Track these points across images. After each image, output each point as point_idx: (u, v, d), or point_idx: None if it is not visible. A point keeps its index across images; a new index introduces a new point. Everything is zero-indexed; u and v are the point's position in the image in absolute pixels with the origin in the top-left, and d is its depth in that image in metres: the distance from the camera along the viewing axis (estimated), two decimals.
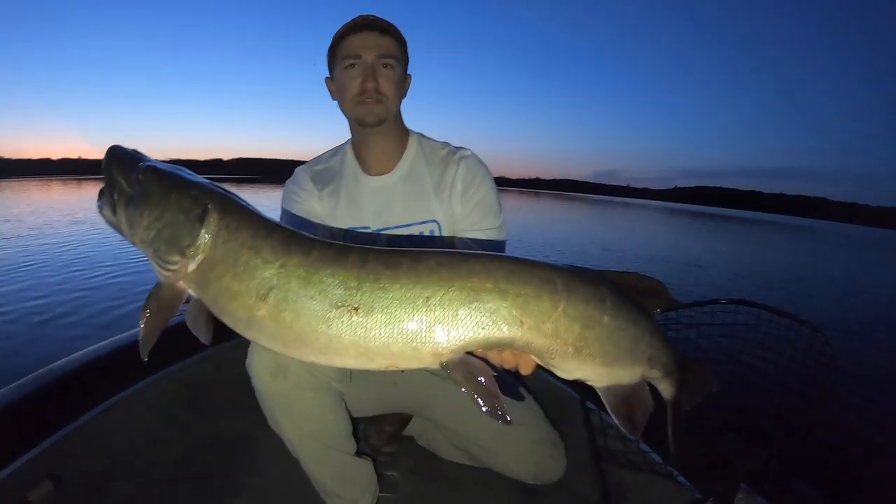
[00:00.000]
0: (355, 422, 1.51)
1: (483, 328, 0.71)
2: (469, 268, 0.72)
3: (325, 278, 0.71)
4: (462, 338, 0.71)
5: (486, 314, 0.71)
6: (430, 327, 0.70)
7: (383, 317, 0.70)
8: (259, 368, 1.06)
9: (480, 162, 1.27)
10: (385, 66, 1.15)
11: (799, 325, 1.27)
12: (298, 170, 1.33)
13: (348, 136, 1.30)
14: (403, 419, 1.60)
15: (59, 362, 1.44)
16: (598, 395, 0.82)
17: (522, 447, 1.35)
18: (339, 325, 0.70)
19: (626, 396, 0.80)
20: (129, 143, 0.83)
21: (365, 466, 1.29)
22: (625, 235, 20.08)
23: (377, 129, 1.20)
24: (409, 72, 1.26)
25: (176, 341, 0.77)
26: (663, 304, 0.82)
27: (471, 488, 1.48)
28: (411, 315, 0.70)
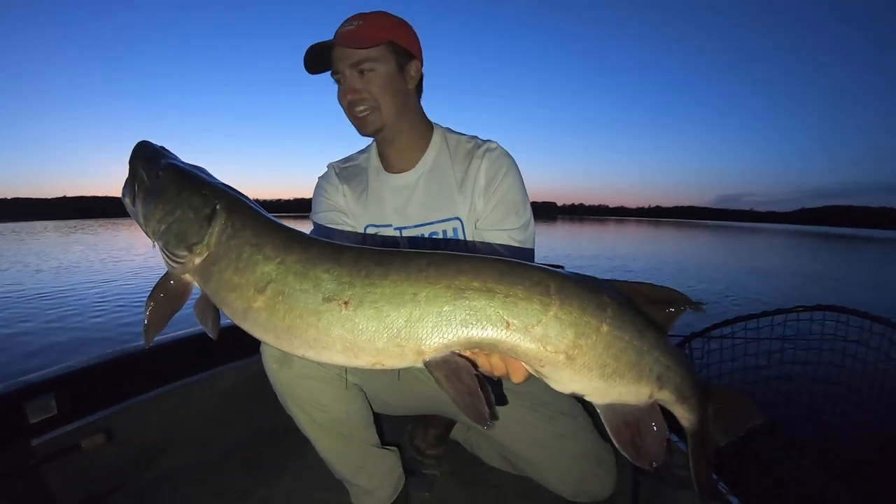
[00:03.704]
0: (402, 422, 1.53)
1: (466, 326, 0.68)
2: (458, 267, 0.71)
3: (319, 273, 0.73)
4: (445, 336, 0.69)
5: (471, 312, 0.68)
6: (414, 324, 0.69)
7: (371, 311, 0.70)
8: (267, 356, 1.11)
9: (506, 155, 1.21)
10: (362, 72, 1.12)
11: (893, 330, 1.06)
12: (329, 165, 1.37)
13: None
14: (448, 423, 1.58)
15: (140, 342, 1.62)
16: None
17: (562, 461, 1.27)
18: (329, 318, 0.71)
19: (631, 418, 0.72)
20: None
21: (386, 458, 1.28)
22: (727, 259, 18.10)
23: (383, 134, 1.19)
24: (417, 58, 1.18)
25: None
26: (678, 315, 0.72)
27: (509, 497, 1.43)
28: (397, 310, 0.70)
